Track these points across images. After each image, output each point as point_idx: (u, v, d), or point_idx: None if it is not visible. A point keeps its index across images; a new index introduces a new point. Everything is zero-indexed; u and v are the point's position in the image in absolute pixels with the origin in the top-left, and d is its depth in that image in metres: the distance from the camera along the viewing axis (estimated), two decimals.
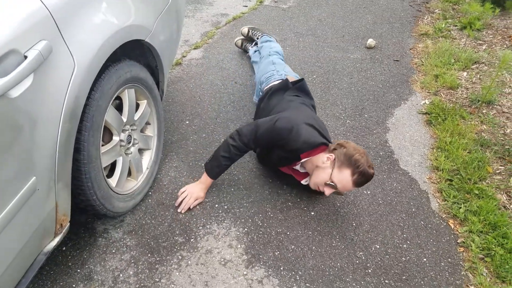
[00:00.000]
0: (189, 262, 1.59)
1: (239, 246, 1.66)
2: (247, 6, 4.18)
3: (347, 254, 1.64)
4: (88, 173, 1.35)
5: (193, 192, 1.84)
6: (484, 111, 2.48)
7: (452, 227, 1.78)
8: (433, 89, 2.75)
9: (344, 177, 1.62)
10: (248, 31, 3.12)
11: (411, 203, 1.90)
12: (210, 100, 2.68)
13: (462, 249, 1.67)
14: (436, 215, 1.84)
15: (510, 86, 2.69)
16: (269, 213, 1.83)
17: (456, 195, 1.90)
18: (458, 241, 1.70)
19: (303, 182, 1.88)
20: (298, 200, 1.91)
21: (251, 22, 3.83)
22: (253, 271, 1.56)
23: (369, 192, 1.96)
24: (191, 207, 1.82)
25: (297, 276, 1.55)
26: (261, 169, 2.09)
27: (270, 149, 1.84)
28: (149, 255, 1.61)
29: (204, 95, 2.72)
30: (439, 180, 2.02)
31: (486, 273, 1.55)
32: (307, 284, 1.52)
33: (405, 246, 1.69)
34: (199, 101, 2.66)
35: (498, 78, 2.75)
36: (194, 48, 3.32)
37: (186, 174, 2.04)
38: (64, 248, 1.60)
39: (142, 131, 1.87)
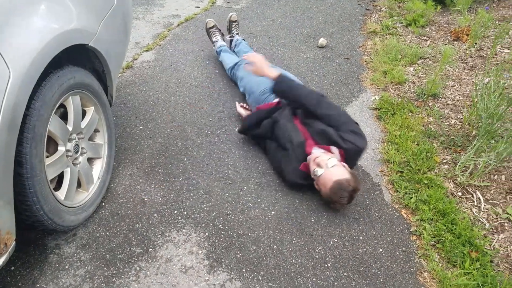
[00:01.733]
0: (148, 272, 1.54)
1: (200, 251, 1.64)
2: (199, 7, 4.14)
3: (307, 250, 1.67)
4: (33, 187, 1.27)
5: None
6: (430, 104, 2.62)
7: (405, 216, 1.86)
8: (382, 85, 2.87)
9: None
10: (233, 22, 3.13)
11: (365, 196, 1.97)
12: (165, 104, 2.62)
13: (415, 237, 1.75)
14: (389, 206, 1.92)
15: (452, 79, 2.86)
16: (230, 215, 1.82)
17: (407, 186, 1.99)
18: (411, 230, 1.78)
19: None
20: (259, 200, 1.91)
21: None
22: (215, 275, 1.54)
23: None
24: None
25: (259, 277, 1.55)
26: (220, 172, 2.07)
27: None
28: (105, 268, 1.55)
29: (158, 99, 2.66)
30: (390, 172, 2.11)
31: (438, 259, 1.64)
32: (270, 284, 1.52)
33: (361, 238, 1.74)
34: (153, 104, 2.60)
35: (442, 72, 2.91)
36: (146, 51, 3.24)
37: (141, 181, 1.98)
38: (12, 268, 1.50)
39: (91, 139, 1.79)
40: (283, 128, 2.04)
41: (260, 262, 1.60)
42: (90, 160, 1.78)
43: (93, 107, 1.71)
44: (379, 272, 1.59)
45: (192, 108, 2.60)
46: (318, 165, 1.82)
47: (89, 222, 1.74)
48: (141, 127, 2.38)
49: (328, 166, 1.78)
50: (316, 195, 1.95)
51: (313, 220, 1.82)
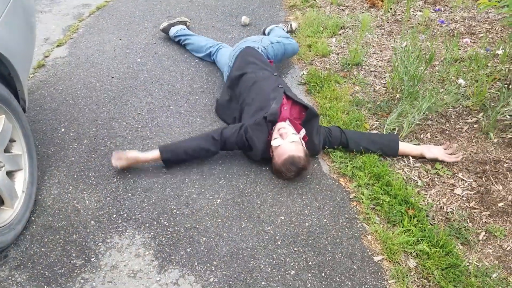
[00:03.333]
0: (94, 283, 1.44)
1: (147, 253, 1.57)
2: None
3: (257, 232, 1.67)
4: None
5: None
6: (354, 73, 2.74)
7: (343, 185, 1.94)
8: (308, 59, 2.92)
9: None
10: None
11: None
12: (86, 101, 2.42)
13: (355, 203, 1.84)
14: (328, 176, 1.99)
15: (373, 46, 3.00)
16: (175, 210, 1.76)
17: (342, 156, 2.07)
18: (351, 197, 1.87)
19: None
20: (203, 190, 1.87)
21: (118, 10, 3.54)
22: (166, 274, 1.49)
23: (267, 168, 2.01)
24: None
25: (213, 267, 1.53)
26: (158, 168, 1.98)
27: None
28: (46, 287, 1.42)
29: (78, 96, 2.45)
30: None
31: (379, 221, 1.74)
32: (224, 272, 1.51)
33: (306, 211, 1.79)
34: (73, 103, 2.39)
35: (362, 40, 3.04)
36: (57, 46, 2.95)
37: (72, 188, 1.83)
38: None
39: (7, 150, 1.60)
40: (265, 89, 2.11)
41: (211, 252, 1.58)
42: (10, 174, 1.60)
43: (3, 116, 1.52)
44: (326, 242, 1.65)
45: (117, 102, 2.44)
46: (280, 136, 1.89)
47: (20, 240, 1.58)
48: (63, 130, 2.18)
49: (288, 140, 1.87)
50: (259, 177, 1.95)
51: (259, 202, 1.83)
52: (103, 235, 1.63)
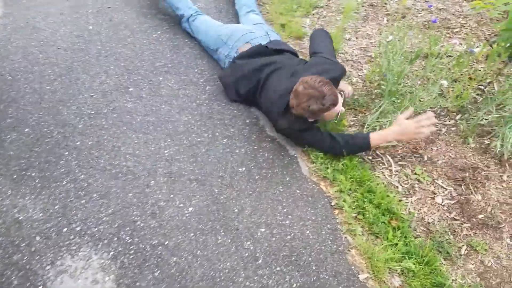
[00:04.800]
0: None
1: (107, 278, 1.34)
2: None
3: (235, 249, 1.51)
4: None
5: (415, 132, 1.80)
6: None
7: (324, 189, 1.82)
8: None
9: (330, 113, 1.78)
10: None
11: (285, 172, 1.86)
12: (27, 77, 2.02)
13: (337, 211, 1.73)
14: (308, 179, 1.85)
15: (349, 32, 2.83)
16: (139, 222, 1.53)
17: (322, 156, 1.94)
18: (332, 204, 1.76)
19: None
20: (171, 196, 1.65)
21: None
22: None
23: (244, 168, 1.82)
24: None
25: None
26: (117, 166, 1.71)
27: None
28: None
29: (16, 70, 2.04)
30: None
31: (362, 232, 1.65)
32: None
33: (287, 222, 1.65)
34: (10, 80, 1.98)
35: (337, 24, 2.86)
36: None
37: (11, 193, 1.52)
38: None
39: None
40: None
41: (184, 276, 1.39)
42: None
43: None
44: (310, 259, 1.53)
45: (65, 80, 2.07)
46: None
47: None
48: None
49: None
50: (235, 179, 1.76)
51: (236, 211, 1.65)
52: (52, 255, 1.37)
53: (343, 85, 2.16)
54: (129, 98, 2.04)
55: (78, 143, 1.79)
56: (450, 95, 2.16)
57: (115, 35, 2.41)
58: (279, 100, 1.85)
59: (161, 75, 2.21)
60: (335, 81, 1.90)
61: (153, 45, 2.40)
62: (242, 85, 2.04)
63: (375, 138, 1.87)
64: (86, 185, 1.63)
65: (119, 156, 1.76)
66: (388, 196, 1.77)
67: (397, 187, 1.84)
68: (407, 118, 1.83)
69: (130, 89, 2.08)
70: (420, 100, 2.12)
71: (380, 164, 1.95)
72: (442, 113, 2.17)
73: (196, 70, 2.29)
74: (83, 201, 1.56)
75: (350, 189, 1.80)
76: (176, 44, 2.43)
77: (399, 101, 2.09)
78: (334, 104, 1.73)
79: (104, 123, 1.89)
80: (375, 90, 2.29)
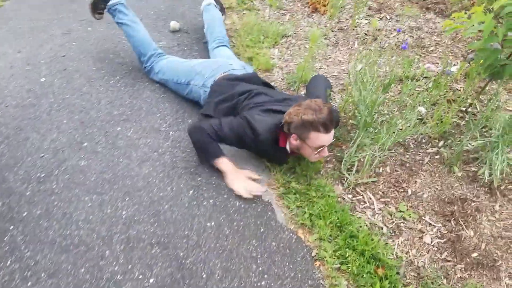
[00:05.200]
0: None
1: None
2: None
3: None
4: None
5: (244, 184, 1.76)
6: (302, 92, 2.45)
7: (303, 238, 1.65)
8: None
9: (317, 139, 1.64)
10: None
11: (259, 222, 1.69)
12: None
13: (318, 263, 1.56)
14: (285, 228, 1.69)
15: (319, 60, 2.74)
16: None
17: (297, 198, 1.78)
18: (313, 255, 1.59)
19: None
20: (129, 267, 1.46)
21: (17, 13, 2.87)
22: None
23: (212, 223, 1.65)
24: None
25: None
26: (68, 236, 1.52)
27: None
28: None
29: None
30: (277, 184, 1.86)
31: (347, 285, 1.48)
32: None
33: (263, 283, 1.47)
34: None
35: (306, 53, 2.76)
36: None
37: None
38: None
39: None
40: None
41: None
42: None
43: None
44: None
45: (12, 141, 1.89)
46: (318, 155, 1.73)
47: None
48: None
49: (316, 156, 1.73)
50: (203, 237, 1.58)
51: (204, 276, 1.47)
52: None
53: None
54: (83, 154, 1.86)
55: (25, 213, 1.60)
56: (430, 121, 2.05)
57: (69, 85, 2.25)
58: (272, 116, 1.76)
59: (119, 125, 2.05)
60: None
61: (111, 92, 2.25)
62: (225, 104, 1.94)
63: (221, 162, 1.80)
64: (33, 263, 1.44)
65: (70, 224, 1.58)
66: (372, 240, 1.61)
67: (381, 228, 1.69)
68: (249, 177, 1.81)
69: (84, 144, 1.91)
70: (399, 129, 2.00)
71: (361, 203, 1.80)
72: (424, 140, 2.04)
73: (158, 115, 2.14)
74: (30, 283, 1.36)
75: (330, 236, 1.64)
76: (135, 89, 2.29)
77: (376, 131, 1.96)
78: (327, 128, 1.61)
79: (54, 187, 1.71)
80: (350, 121, 2.17)
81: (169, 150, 1.96)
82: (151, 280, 1.42)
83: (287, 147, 1.79)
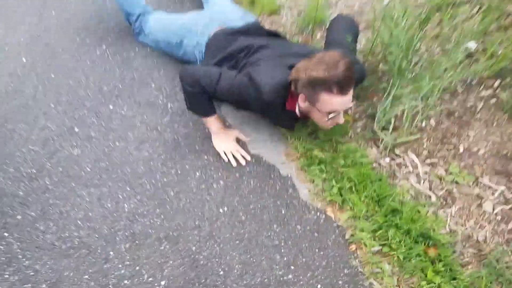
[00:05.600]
0: None
1: None
2: None
3: None
4: None
5: (230, 146, 1.59)
6: (318, 36, 2.07)
7: (333, 217, 1.40)
8: None
9: (329, 102, 1.28)
10: None
11: (278, 203, 1.45)
12: None
13: (353, 246, 1.32)
14: (310, 207, 1.44)
15: None
16: None
17: (323, 169, 1.51)
18: (347, 237, 1.34)
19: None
20: (137, 268, 1.28)
21: None
22: None
23: (226, 209, 1.43)
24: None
25: None
26: (68, 239, 1.34)
27: None
28: None
29: None
30: (298, 154, 1.59)
31: (391, 271, 1.24)
32: None
33: (290, 276, 1.26)
34: None
35: None
36: None
37: None
38: None
39: None
40: None
41: None
42: None
43: None
44: None
45: None
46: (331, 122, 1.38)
47: None
48: None
49: (328, 122, 1.39)
50: (216, 226, 1.36)
51: (222, 273, 1.27)
52: None
53: None
54: (75, 142, 1.64)
55: (19, 217, 1.43)
56: (482, 57, 1.65)
57: (53, 62, 1.99)
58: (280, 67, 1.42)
59: (111, 102, 1.80)
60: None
61: (98, 65, 1.97)
62: (223, 66, 1.61)
63: (208, 121, 1.58)
64: (32, 274, 1.28)
65: (68, 224, 1.40)
66: (419, 213, 1.34)
67: (429, 196, 1.40)
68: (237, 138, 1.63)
69: (76, 130, 1.69)
70: (445, 70, 1.62)
71: (402, 167, 1.50)
72: (474, 82, 1.66)
73: (153, 85, 1.87)
74: None
75: (367, 212, 1.38)
76: (125, 57, 2.00)
77: (414, 77, 1.60)
78: (342, 89, 1.23)
79: (48, 183, 1.52)
80: (381, 66, 1.80)
81: (169, 126, 1.70)
82: (162, 283, 1.24)
83: (297, 110, 1.48)
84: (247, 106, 1.50)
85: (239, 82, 1.40)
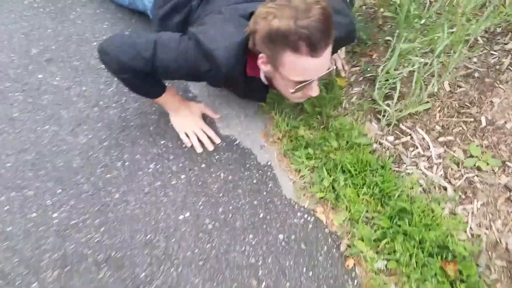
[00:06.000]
0: None
1: None
2: None
3: None
4: None
5: (193, 126, 1.23)
6: None
7: (324, 221, 1.10)
8: None
9: (296, 67, 0.90)
10: None
11: (255, 203, 1.13)
12: None
13: (351, 262, 1.03)
14: (295, 206, 1.13)
15: None
16: None
17: (311, 154, 1.18)
18: (341, 249, 1.05)
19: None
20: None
21: None
22: None
23: (188, 214, 1.11)
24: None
25: None
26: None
27: None
28: None
29: None
30: (280, 135, 1.24)
31: None
32: None
33: None
34: None
35: None
36: None
37: None
38: None
39: None
40: None
41: None
42: None
43: None
44: None
45: None
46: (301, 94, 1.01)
47: None
48: None
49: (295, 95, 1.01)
50: (177, 237, 1.05)
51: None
52: None
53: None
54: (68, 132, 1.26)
55: None
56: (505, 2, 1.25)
57: None
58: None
59: (41, 69, 1.39)
60: (335, 42, 0.97)
61: (25, 20, 1.52)
62: (174, 18, 1.21)
63: (165, 99, 1.19)
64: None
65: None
66: (432, 212, 1.04)
67: (445, 188, 1.10)
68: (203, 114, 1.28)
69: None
70: (462, 15, 1.24)
71: (410, 148, 1.18)
72: (498, 31, 1.28)
73: (95, 44, 1.45)
74: None
75: (367, 213, 1.08)
76: (60, 8, 1.56)
77: (426, 26, 1.22)
78: (314, 47, 0.85)
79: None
80: (382, 11, 1.40)
81: (115, 100, 1.32)
82: None
83: (261, 76, 1.09)
84: (203, 80, 1.11)
85: (184, 49, 0.99)
